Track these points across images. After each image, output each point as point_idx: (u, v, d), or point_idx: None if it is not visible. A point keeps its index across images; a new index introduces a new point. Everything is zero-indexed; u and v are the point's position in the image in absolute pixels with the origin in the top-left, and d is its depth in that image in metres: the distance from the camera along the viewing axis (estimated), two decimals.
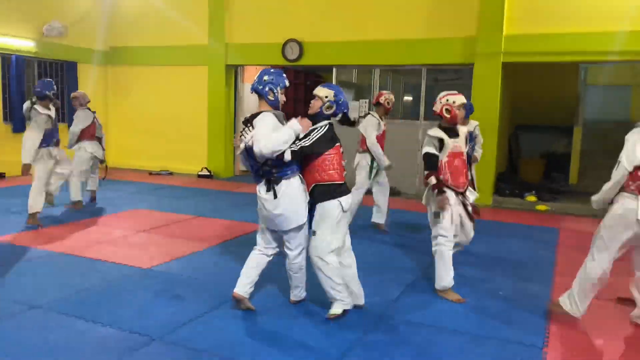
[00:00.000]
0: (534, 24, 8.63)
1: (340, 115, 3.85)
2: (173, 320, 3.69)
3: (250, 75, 12.01)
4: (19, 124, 10.37)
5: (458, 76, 10.21)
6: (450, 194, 4.22)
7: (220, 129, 11.33)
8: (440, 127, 4.31)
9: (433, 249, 4.33)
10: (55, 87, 6.61)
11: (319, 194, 3.69)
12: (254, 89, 3.73)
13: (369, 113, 6.56)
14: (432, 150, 4.24)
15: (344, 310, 3.76)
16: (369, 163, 6.35)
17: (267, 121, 3.55)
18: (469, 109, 7.36)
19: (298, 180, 3.67)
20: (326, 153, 3.67)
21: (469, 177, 4.46)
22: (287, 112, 13.95)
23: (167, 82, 11.65)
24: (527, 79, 11.28)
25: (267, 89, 3.68)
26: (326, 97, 3.78)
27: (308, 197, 3.70)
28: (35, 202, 6.36)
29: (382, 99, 6.41)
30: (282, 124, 3.63)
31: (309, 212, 3.73)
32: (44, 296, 4.03)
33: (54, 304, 3.89)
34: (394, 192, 9.50)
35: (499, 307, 4.18)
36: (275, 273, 4.35)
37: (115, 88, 12.35)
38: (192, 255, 5.37)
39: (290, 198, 3.60)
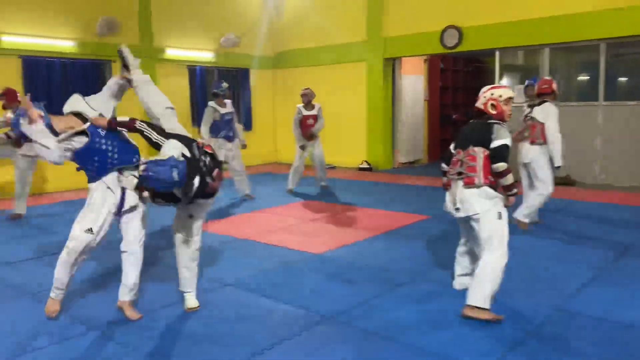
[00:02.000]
0: None
1: None
2: (345, 302, 3.91)
3: (409, 67, 12.01)
4: None
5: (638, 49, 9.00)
6: None
7: (378, 123, 11.54)
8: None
9: None
10: (223, 85, 7.95)
11: None
12: None
13: (545, 100, 5.78)
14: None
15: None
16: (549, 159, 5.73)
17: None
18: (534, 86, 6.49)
19: (101, 187, 3.55)
20: None
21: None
22: (445, 102, 13.67)
23: (328, 79, 12.18)
24: None
25: None
26: None
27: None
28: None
29: (555, 86, 5.83)
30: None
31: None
32: (233, 275, 4.56)
33: (242, 283, 4.38)
34: (567, 182, 8.79)
35: None
36: (444, 260, 4.35)
37: (281, 89, 13.28)
38: (359, 242, 5.60)
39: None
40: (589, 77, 9.56)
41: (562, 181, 6.80)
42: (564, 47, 9.36)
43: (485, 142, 3.55)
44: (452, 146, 3.86)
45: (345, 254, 5.18)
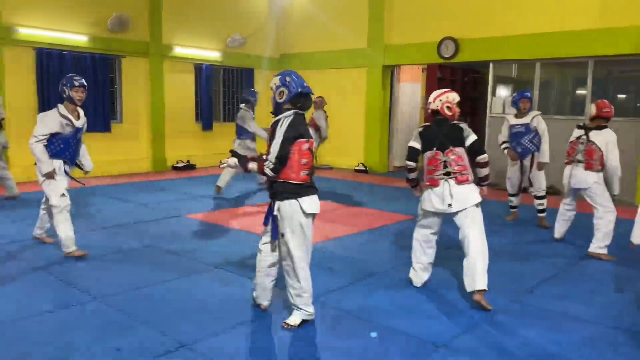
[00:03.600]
0: None
1: (297, 99, 3.51)
2: (324, 287, 4.30)
3: (407, 75, 12.41)
4: (207, 123, 12.17)
5: (635, 68, 9.37)
6: None
7: (375, 127, 11.95)
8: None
9: None
10: (257, 95, 8.62)
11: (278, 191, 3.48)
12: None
13: (605, 126, 5.39)
14: None
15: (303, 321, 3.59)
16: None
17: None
18: (530, 99, 6.70)
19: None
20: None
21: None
22: None
23: (330, 84, 12.58)
24: None
25: (59, 88, 4.84)
26: (273, 85, 3.58)
27: None
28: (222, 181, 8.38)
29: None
30: (66, 117, 4.85)
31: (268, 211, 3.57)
32: (224, 259, 4.98)
33: (232, 267, 4.79)
34: (554, 191, 9.18)
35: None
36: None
37: None
38: (345, 237, 6.01)
39: None
40: (577, 92, 9.94)
41: (547, 191, 7.13)
42: (554, 62, 9.75)
43: (461, 142, 4.05)
44: (417, 146, 4.25)
45: (331, 246, 5.58)
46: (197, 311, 3.78)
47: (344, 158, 12.54)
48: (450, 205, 4.00)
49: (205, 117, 12.16)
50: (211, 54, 12.06)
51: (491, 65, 10.45)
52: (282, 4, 13.20)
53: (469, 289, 3.90)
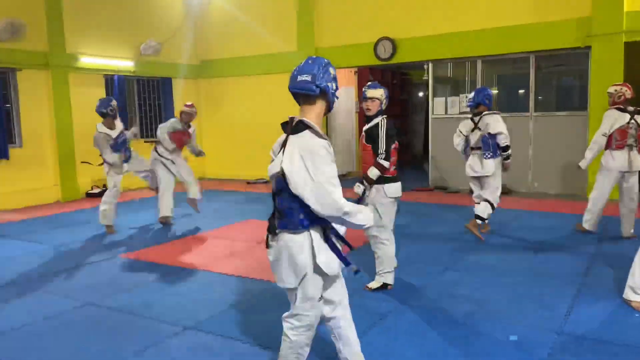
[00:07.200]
0: None
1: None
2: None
3: (340, 79, 11.79)
4: None
5: (565, 61, 9.43)
6: None
7: None
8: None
9: None
10: (112, 104, 6.67)
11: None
12: (319, 87, 2.49)
13: None
14: None
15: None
16: None
17: (325, 156, 2.45)
18: (484, 97, 5.99)
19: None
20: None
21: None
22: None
23: (256, 90, 11.70)
24: None
25: (334, 87, 2.55)
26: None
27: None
28: (105, 215, 6.80)
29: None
30: None
31: None
32: (192, 316, 3.94)
33: (207, 325, 3.78)
34: (504, 191, 8.94)
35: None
36: None
37: (207, 100, 12.58)
38: None
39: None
40: (520, 89, 9.82)
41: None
42: (495, 59, 9.58)
43: None
44: None
45: None
46: None
47: None
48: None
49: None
50: (123, 64, 10.68)
51: (430, 65, 10.11)
52: (199, 6, 12.09)
53: None
